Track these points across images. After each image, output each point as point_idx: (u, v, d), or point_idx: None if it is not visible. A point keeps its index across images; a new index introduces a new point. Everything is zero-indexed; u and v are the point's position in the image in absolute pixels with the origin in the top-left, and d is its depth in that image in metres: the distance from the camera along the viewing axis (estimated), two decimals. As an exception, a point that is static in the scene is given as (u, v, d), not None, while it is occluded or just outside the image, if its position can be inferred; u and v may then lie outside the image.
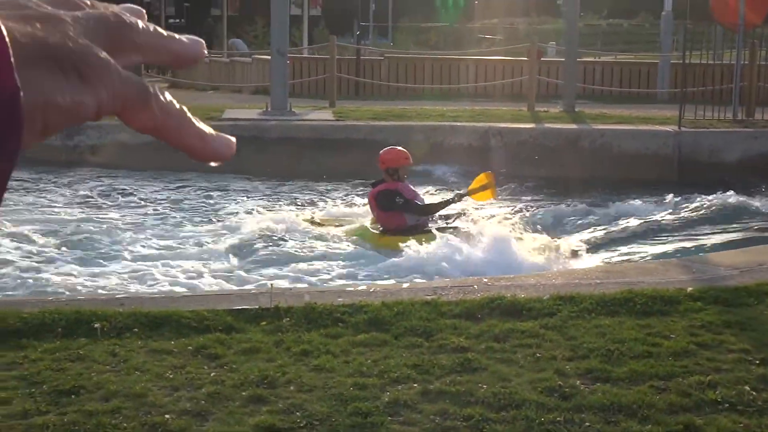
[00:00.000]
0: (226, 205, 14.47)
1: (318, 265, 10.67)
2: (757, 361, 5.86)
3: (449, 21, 48.30)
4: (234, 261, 10.96)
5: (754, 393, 5.36)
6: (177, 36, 0.77)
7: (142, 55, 0.74)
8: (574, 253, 11.18)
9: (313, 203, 14.71)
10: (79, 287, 9.64)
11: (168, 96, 0.73)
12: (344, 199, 15.13)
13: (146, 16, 0.76)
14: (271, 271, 10.51)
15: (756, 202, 13.92)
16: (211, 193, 15.35)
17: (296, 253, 11.16)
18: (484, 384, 5.49)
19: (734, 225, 12.82)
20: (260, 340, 6.16)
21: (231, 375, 5.60)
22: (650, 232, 12.68)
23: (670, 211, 13.54)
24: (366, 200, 12.31)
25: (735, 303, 6.93)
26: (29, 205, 14.02)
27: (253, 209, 14.02)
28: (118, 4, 0.76)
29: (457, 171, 15.95)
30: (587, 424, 4.99)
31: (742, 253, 9.67)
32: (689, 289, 7.23)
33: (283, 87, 19.44)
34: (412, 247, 10.72)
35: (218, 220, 13.28)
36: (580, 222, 13.34)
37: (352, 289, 7.90)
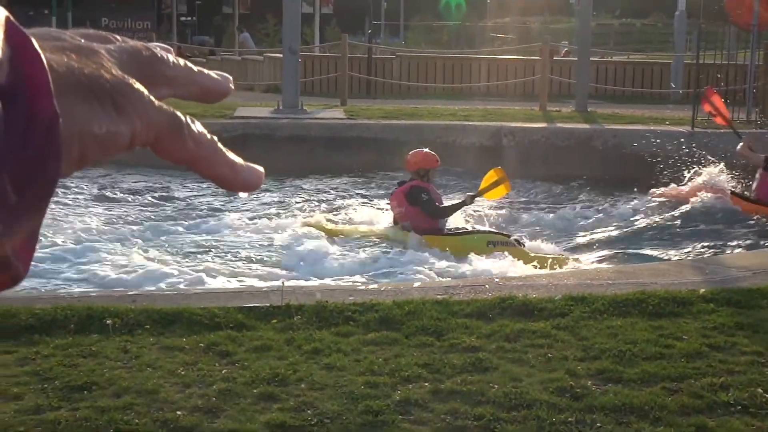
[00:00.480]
0: (237, 203, 14.47)
1: (332, 264, 10.65)
2: (770, 363, 5.84)
3: (453, 20, 48.25)
4: (245, 258, 10.96)
5: (766, 395, 5.34)
6: (206, 71, 0.78)
7: (173, 88, 0.76)
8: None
9: (324, 202, 14.71)
10: (92, 284, 9.66)
11: (199, 125, 0.74)
12: (357, 198, 15.13)
13: (174, 53, 0.77)
14: (283, 269, 10.51)
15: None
16: (220, 191, 15.33)
17: (307, 252, 11.14)
18: (495, 384, 5.48)
19: (747, 227, 12.77)
20: (271, 337, 6.16)
21: (242, 372, 5.60)
22: (663, 233, 12.65)
23: (682, 211, 13.49)
24: (388, 201, 12.11)
25: (748, 305, 6.91)
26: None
27: (263, 207, 14.04)
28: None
29: (467, 171, 15.91)
30: (598, 424, 4.98)
31: (755, 254, 9.66)
32: (702, 290, 7.21)
33: (294, 85, 19.45)
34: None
35: (229, 218, 13.28)
36: (591, 222, 13.32)
37: (363, 287, 7.90)
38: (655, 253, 11.67)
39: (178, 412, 5.04)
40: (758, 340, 6.25)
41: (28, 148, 0.60)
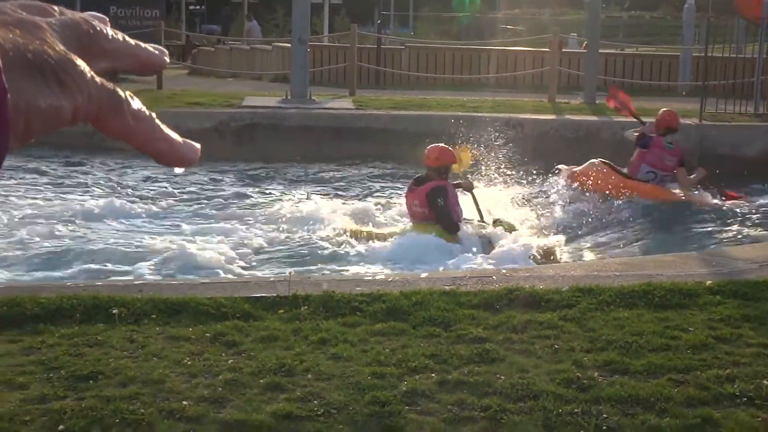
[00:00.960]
0: (244, 192, 14.47)
1: (338, 255, 10.65)
2: (777, 356, 5.83)
3: (463, 11, 48.16)
4: (253, 248, 10.95)
5: (773, 387, 5.34)
6: (143, 44, 0.80)
7: (112, 61, 0.77)
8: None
9: (332, 192, 14.70)
10: (98, 273, 9.66)
11: (138, 102, 0.75)
12: (366, 189, 15.13)
13: (109, 23, 0.79)
14: (290, 259, 10.51)
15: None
16: (229, 181, 15.36)
17: (315, 243, 11.15)
18: (502, 375, 5.48)
19: (754, 219, 12.74)
20: (278, 328, 6.16)
21: (249, 362, 5.60)
22: (669, 225, 12.62)
23: (689, 203, 13.47)
24: (404, 198, 11.70)
25: (754, 297, 6.90)
26: (47, 190, 14.05)
27: (271, 197, 14.04)
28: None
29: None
30: (605, 415, 4.98)
31: (762, 247, 9.63)
32: (708, 282, 7.20)
33: (303, 75, 19.44)
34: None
35: (236, 207, 13.29)
36: (598, 214, 13.29)
37: (370, 278, 7.89)
38: (661, 244, 11.64)
39: (184, 402, 5.04)
40: (764, 332, 6.25)
41: None
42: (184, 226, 12.07)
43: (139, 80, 23.26)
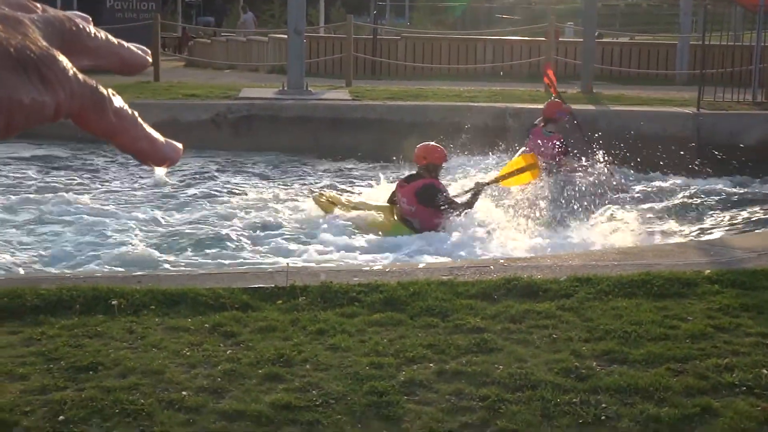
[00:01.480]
0: (242, 183, 14.47)
1: (335, 246, 10.65)
2: (775, 345, 5.84)
3: (459, 1, 48.09)
4: (251, 239, 10.95)
5: (771, 376, 5.35)
6: (126, 44, 0.80)
7: (94, 59, 0.77)
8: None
9: (329, 183, 14.71)
10: (97, 264, 9.67)
11: (120, 100, 0.75)
12: (360, 181, 15.13)
13: (92, 22, 0.79)
14: (288, 250, 10.51)
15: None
16: (227, 171, 15.36)
17: (312, 233, 11.15)
18: (500, 364, 5.48)
19: (752, 208, 12.76)
20: (276, 318, 6.16)
21: (247, 353, 5.61)
22: (668, 214, 12.63)
23: (688, 193, 13.49)
24: (394, 191, 11.69)
25: (753, 286, 6.91)
26: (45, 181, 14.05)
27: (268, 188, 14.04)
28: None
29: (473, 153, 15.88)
30: (603, 405, 4.99)
31: (760, 236, 9.65)
32: (707, 271, 7.21)
33: (299, 66, 19.42)
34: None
35: (234, 199, 13.28)
36: (596, 204, 13.28)
37: (368, 268, 7.90)
38: (660, 234, 11.65)
39: (184, 393, 5.05)
40: (763, 321, 6.25)
41: None
42: (179, 216, 12.07)
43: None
